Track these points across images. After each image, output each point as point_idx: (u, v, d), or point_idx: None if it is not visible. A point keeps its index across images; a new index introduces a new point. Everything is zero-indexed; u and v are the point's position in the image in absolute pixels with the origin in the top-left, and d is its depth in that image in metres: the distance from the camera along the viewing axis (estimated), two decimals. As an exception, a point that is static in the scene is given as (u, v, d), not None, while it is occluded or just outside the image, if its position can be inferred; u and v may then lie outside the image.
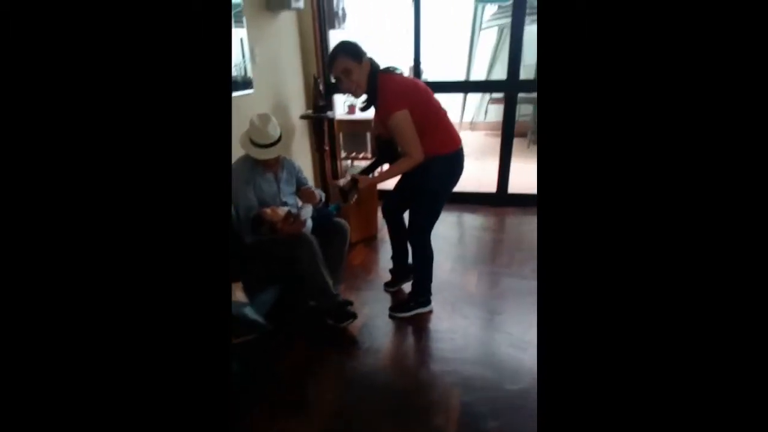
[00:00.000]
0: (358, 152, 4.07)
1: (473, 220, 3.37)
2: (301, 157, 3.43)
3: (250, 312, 1.60)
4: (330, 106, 3.43)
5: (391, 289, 2.43)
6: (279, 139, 2.04)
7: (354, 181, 1.98)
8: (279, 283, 1.97)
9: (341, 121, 3.83)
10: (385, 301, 2.36)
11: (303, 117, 3.27)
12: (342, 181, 2.06)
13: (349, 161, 4.26)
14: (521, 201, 3.53)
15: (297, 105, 3.32)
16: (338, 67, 1.78)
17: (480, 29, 5.32)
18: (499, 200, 3.55)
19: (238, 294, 1.69)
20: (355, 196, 2.05)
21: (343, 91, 1.87)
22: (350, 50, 1.78)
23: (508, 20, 5.32)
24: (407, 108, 1.78)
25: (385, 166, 2.04)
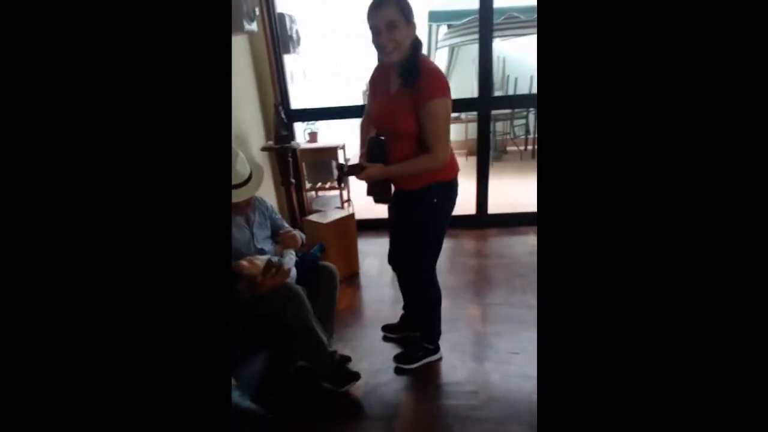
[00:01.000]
0: (324, 182, 3.77)
1: (457, 246, 3.15)
2: (264, 193, 3.09)
3: (239, 399, 1.25)
4: (293, 135, 3.14)
5: (392, 336, 2.13)
6: (249, 177, 1.73)
7: (360, 167, 1.57)
8: (264, 348, 1.63)
9: (304, 151, 3.53)
10: (386, 350, 2.05)
11: (265, 149, 2.95)
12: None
13: (313, 192, 3.96)
14: (502, 221, 3.37)
15: (256, 136, 3.01)
16: (385, 15, 1.43)
17: (436, 49, 5.26)
18: (480, 222, 3.37)
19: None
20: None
21: (376, 45, 1.51)
22: (404, 4, 1.45)
23: (460, 39, 5.33)
24: (449, 100, 1.50)
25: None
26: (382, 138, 1.60)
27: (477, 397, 1.71)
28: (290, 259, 1.78)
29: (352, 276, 2.76)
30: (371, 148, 1.64)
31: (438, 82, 1.47)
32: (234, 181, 1.67)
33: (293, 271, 1.78)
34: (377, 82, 1.67)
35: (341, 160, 1.69)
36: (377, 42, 1.48)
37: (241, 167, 1.69)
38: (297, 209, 3.11)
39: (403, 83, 1.52)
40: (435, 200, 1.64)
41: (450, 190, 1.68)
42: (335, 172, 1.63)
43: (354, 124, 6.12)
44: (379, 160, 1.60)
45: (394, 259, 1.97)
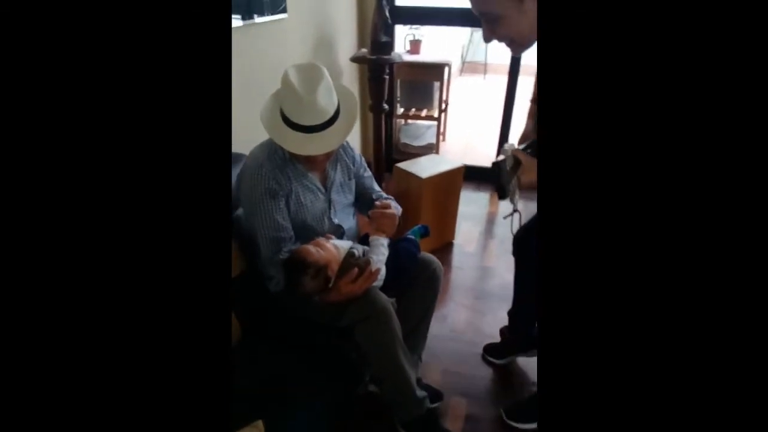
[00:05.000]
0: (419, 109, 3.01)
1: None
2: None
3: None
4: (392, 43, 2.36)
5: (497, 361, 1.53)
6: (336, 115, 1.06)
7: (516, 162, 0.99)
8: (330, 386, 1.08)
9: (400, 66, 2.75)
10: (487, 378, 1.47)
11: (355, 59, 2.22)
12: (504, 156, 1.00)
13: (402, 120, 3.22)
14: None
15: (347, 40, 2.27)
16: (477, 5, 0.82)
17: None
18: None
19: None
20: (518, 194, 1.03)
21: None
22: None
23: None
24: None
25: None
26: None
27: None
28: (381, 252, 1.15)
29: (445, 248, 2.12)
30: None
31: None
32: (311, 122, 1.02)
33: (382, 271, 1.15)
34: None
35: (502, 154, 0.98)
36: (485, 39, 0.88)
37: (324, 99, 1.03)
38: (384, 145, 2.43)
39: None
40: None
41: None
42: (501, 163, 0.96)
43: (464, 34, 5.04)
44: None
45: (524, 244, 1.35)
